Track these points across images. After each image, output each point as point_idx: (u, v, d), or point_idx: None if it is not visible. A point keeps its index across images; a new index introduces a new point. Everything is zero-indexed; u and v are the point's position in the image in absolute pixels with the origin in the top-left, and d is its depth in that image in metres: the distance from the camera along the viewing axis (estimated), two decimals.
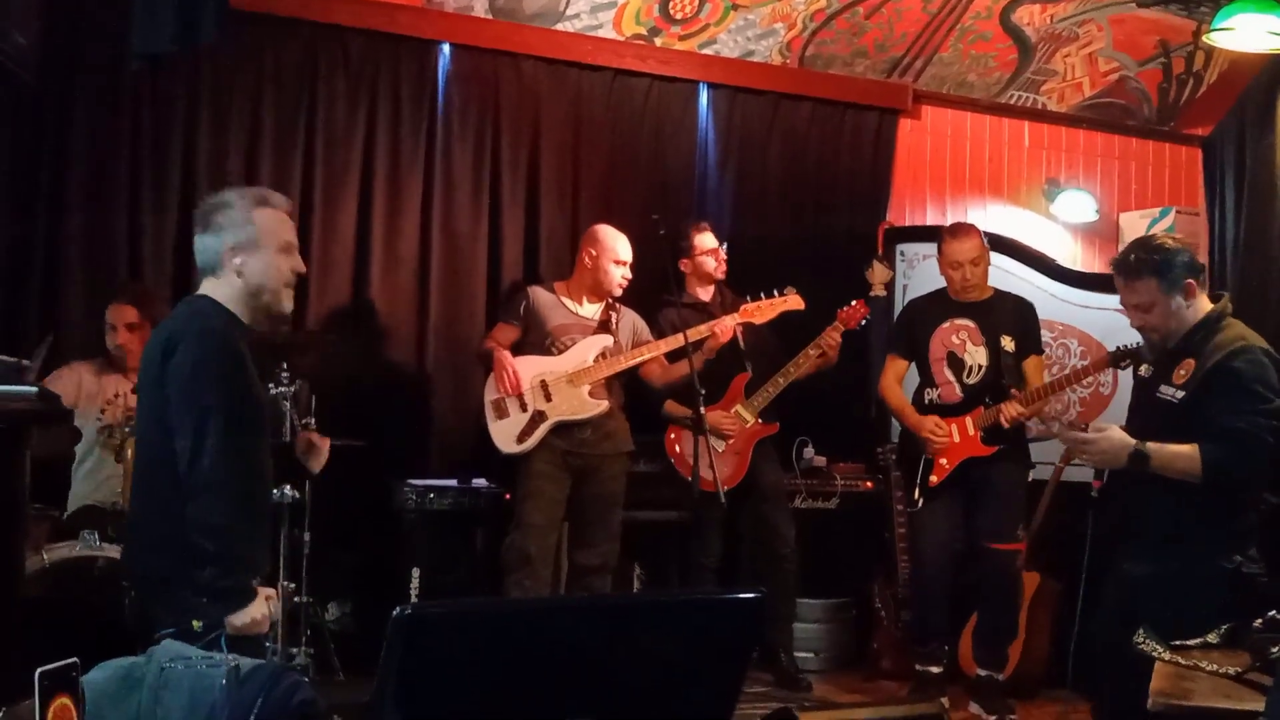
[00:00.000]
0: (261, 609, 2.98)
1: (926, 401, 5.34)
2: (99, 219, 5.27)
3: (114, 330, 4.84)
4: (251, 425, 3.07)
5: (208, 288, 3.11)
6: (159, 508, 3.03)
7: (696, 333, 5.22)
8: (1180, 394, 3.44)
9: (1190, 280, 3.48)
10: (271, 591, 3.07)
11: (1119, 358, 4.83)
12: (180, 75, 5.31)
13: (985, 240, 5.35)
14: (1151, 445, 3.39)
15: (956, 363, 5.29)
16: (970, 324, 5.29)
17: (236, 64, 5.47)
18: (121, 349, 4.82)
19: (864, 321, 5.50)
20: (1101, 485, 4.13)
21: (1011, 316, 5.32)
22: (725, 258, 5.63)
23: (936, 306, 5.42)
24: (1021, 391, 5.11)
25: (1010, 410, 5.06)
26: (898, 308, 6.06)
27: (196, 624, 2.89)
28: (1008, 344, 5.23)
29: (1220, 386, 3.37)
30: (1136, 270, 3.54)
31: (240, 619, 2.93)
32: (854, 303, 5.48)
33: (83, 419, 4.81)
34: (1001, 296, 5.41)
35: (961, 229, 5.37)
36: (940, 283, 5.43)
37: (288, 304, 3.15)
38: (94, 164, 5.27)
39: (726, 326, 5.29)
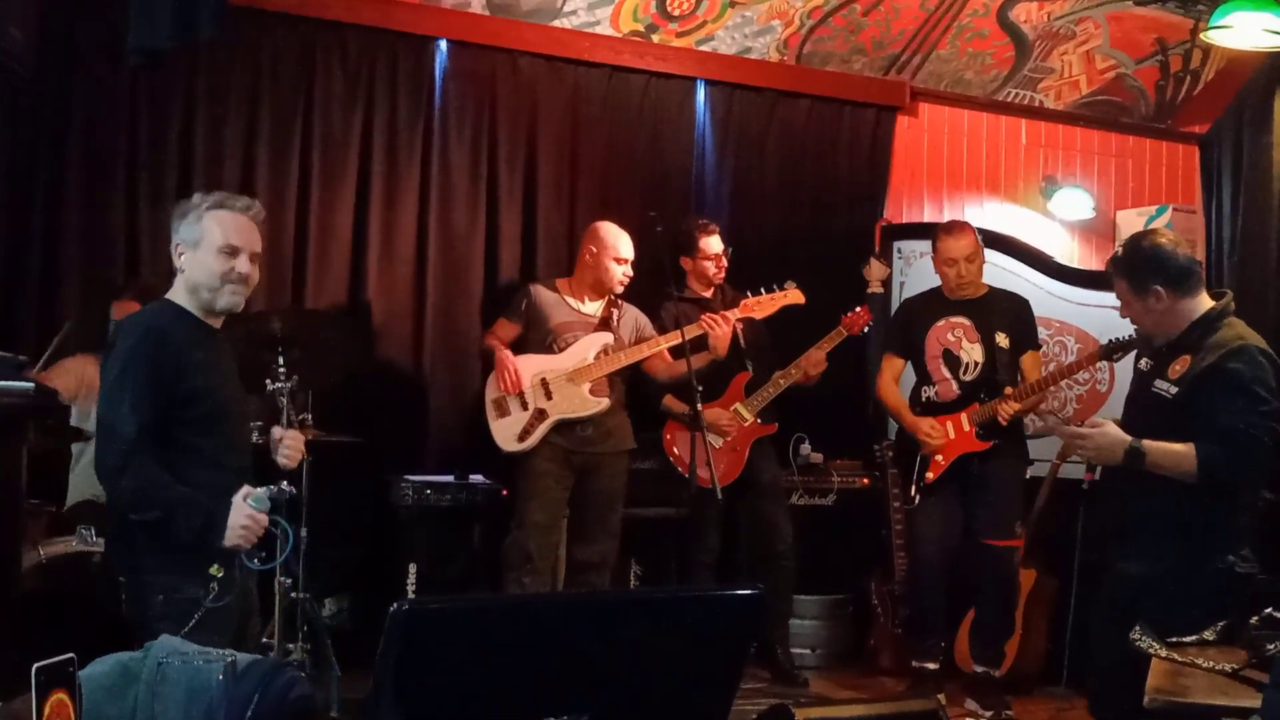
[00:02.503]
0: (240, 512, 3.05)
1: (923, 399, 5.35)
2: (96, 215, 5.26)
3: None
4: (193, 420, 3.12)
5: (172, 287, 3.27)
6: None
7: (693, 330, 5.22)
8: (1174, 390, 3.44)
9: (1157, 286, 3.47)
10: (244, 489, 3.11)
11: (1111, 350, 4.84)
12: (177, 71, 5.29)
13: (979, 237, 5.36)
14: (1147, 443, 3.38)
15: (953, 360, 5.29)
16: (965, 321, 5.30)
17: (233, 60, 5.46)
18: None
19: (868, 327, 5.50)
20: (1093, 480, 4.13)
21: (1006, 313, 5.32)
22: (727, 264, 5.62)
23: (931, 305, 5.43)
24: (1017, 387, 5.12)
25: (1007, 408, 5.07)
26: (895, 305, 6.07)
27: (215, 569, 3.03)
28: (1003, 341, 5.24)
29: (1218, 387, 3.35)
30: (1112, 269, 3.62)
31: (231, 538, 3.04)
32: (858, 309, 5.48)
33: (84, 413, 4.80)
34: (995, 294, 5.42)
35: (956, 226, 5.38)
36: (937, 280, 5.44)
37: (222, 301, 3.22)
38: (91, 160, 5.26)
39: (726, 317, 5.24)
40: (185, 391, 3.10)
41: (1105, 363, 5.37)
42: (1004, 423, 5.10)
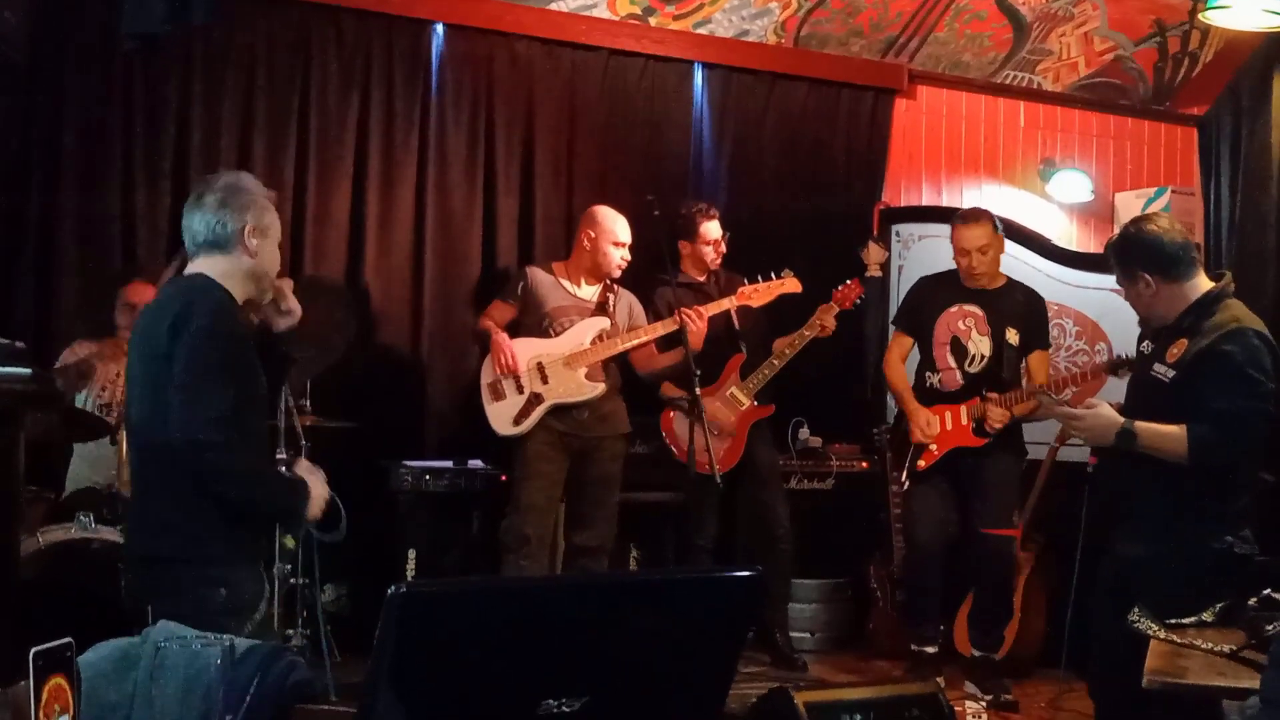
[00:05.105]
0: (319, 484, 3.09)
1: (926, 385, 5.32)
2: (92, 199, 5.24)
3: (132, 309, 4.67)
4: (251, 401, 3.04)
5: (207, 264, 3.04)
6: (167, 490, 2.97)
7: (669, 325, 5.20)
8: (1171, 373, 3.43)
9: (1144, 273, 3.47)
10: (302, 463, 3.18)
11: (1116, 365, 4.90)
12: (172, 55, 5.27)
13: (998, 227, 5.26)
14: (1139, 424, 3.39)
15: (960, 349, 5.26)
16: (978, 311, 5.25)
17: (229, 44, 5.44)
18: None
19: (859, 300, 5.49)
20: (1096, 463, 4.13)
21: (1019, 308, 5.28)
22: (725, 250, 5.61)
23: (946, 288, 5.36)
24: (1019, 389, 5.10)
25: (995, 416, 5.06)
26: (893, 288, 6.05)
27: (290, 541, 3.04)
28: (1012, 337, 5.21)
29: (1212, 369, 3.35)
30: (1108, 255, 3.66)
31: (314, 509, 3.08)
32: (849, 281, 5.48)
33: (91, 397, 4.80)
34: (1012, 287, 5.34)
35: (971, 215, 5.29)
36: (937, 264, 5.41)
37: (269, 296, 3.17)
38: (86, 144, 5.24)
39: (701, 313, 5.22)
40: (249, 368, 3.00)
41: (1107, 355, 5.39)
42: (991, 431, 5.10)
